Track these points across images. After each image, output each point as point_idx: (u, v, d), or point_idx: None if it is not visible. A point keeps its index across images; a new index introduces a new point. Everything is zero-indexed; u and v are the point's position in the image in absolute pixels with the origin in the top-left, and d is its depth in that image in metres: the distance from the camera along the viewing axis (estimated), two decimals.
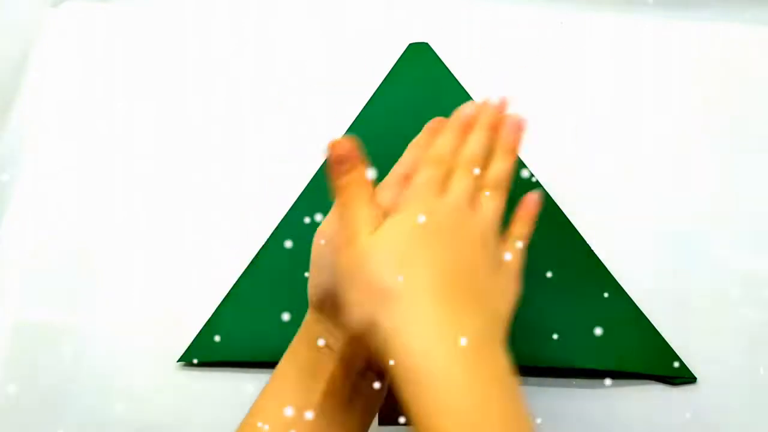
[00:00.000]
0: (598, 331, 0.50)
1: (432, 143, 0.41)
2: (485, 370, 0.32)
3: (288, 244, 0.54)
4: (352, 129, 0.57)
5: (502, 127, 0.41)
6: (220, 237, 0.55)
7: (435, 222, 0.36)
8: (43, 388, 0.51)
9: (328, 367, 0.39)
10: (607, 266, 0.53)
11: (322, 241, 0.40)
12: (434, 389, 0.31)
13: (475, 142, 0.41)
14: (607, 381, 0.50)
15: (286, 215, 0.55)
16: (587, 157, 0.58)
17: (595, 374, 0.50)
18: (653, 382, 0.51)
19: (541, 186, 0.54)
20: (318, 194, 0.55)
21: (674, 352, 0.51)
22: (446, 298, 0.33)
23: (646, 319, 0.51)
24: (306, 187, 0.56)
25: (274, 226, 0.54)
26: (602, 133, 0.59)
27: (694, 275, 0.54)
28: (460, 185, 0.38)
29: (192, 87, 0.61)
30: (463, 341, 0.32)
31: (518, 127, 0.41)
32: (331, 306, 0.39)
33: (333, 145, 0.38)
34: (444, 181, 0.39)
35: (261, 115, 0.60)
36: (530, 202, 0.41)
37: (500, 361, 0.33)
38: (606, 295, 0.52)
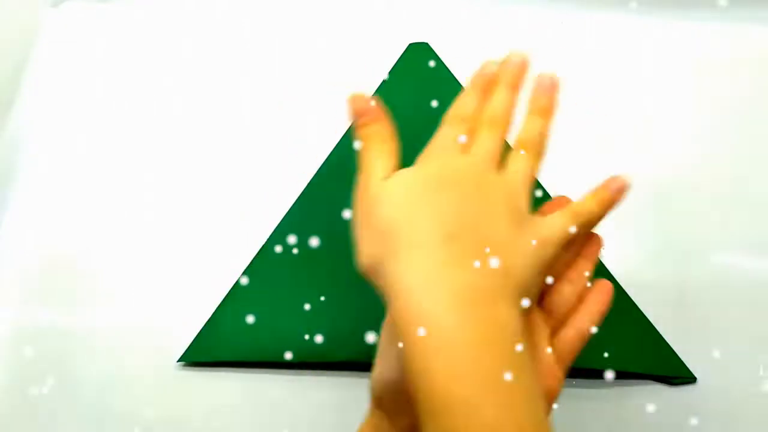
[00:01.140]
0: (597, 331, 0.50)
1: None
2: (476, 325, 0.31)
3: (288, 243, 0.54)
4: (352, 129, 0.57)
5: (534, 86, 0.39)
6: (220, 237, 0.55)
7: (450, 175, 0.35)
8: (43, 388, 0.51)
9: None
10: (606, 266, 0.53)
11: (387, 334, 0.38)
12: (424, 336, 0.31)
13: (500, 101, 0.39)
14: (608, 379, 0.50)
15: (286, 215, 0.55)
16: (587, 158, 0.58)
17: (595, 374, 0.50)
18: (653, 382, 0.51)
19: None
20: (319, 194, 0.55)
21: (674, 352, 0.51)
22: (447, 249, 0.33)
23: (646, 319, 0.51)
24: (306, 186, 0.56)
25: (274, 226, 0.54)
26: (602, 133, 0.59)
27: (694, 275, 0.54)
28: (484, 144, 0.37)
29: (192, 87, 0.61)
30: (454, 293, 0.31)
31: (552, 86, 0.39)
32: (390, 403, 0.38)
33: (350, 100, 0.39)
34: (467, 141, 0.37)
35: (261, 115, 0.60)
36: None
37: (498, 318, 0.32)
38: None
